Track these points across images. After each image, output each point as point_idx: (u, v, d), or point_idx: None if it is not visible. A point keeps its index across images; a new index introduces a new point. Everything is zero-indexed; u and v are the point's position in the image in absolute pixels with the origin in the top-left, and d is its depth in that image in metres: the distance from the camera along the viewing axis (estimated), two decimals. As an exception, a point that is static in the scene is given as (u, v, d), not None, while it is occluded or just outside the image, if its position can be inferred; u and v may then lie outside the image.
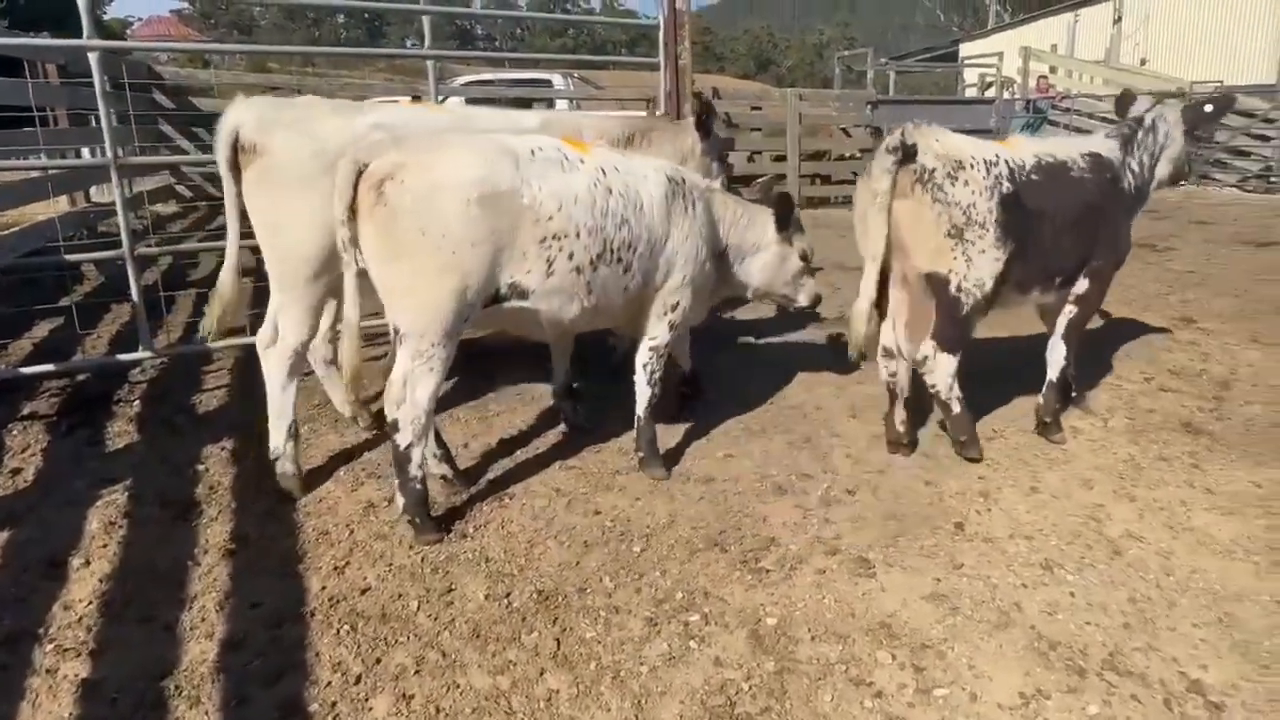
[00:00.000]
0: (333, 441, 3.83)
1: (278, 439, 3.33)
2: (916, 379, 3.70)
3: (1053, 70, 18.08)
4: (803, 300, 3.97)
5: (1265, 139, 15.51)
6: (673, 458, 3.67)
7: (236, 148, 3.17)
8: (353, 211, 2.77)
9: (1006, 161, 3.44)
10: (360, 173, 2.75)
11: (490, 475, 3.51)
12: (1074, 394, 4.25)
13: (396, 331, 2.88)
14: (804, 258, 3.84)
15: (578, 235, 2.99)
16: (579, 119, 4.24)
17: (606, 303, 3.19)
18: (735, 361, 4.94)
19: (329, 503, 3.27)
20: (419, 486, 2.98)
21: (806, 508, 3.26)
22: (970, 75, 19.79)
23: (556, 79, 14.50)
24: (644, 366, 3.48)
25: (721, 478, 3.48)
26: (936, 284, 3.44)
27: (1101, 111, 16.60)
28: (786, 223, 3.72)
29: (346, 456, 3.68)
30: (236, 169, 3.20)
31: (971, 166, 3.33)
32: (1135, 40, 20.60)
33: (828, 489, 3.40)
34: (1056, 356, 3.99)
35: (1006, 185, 3.38)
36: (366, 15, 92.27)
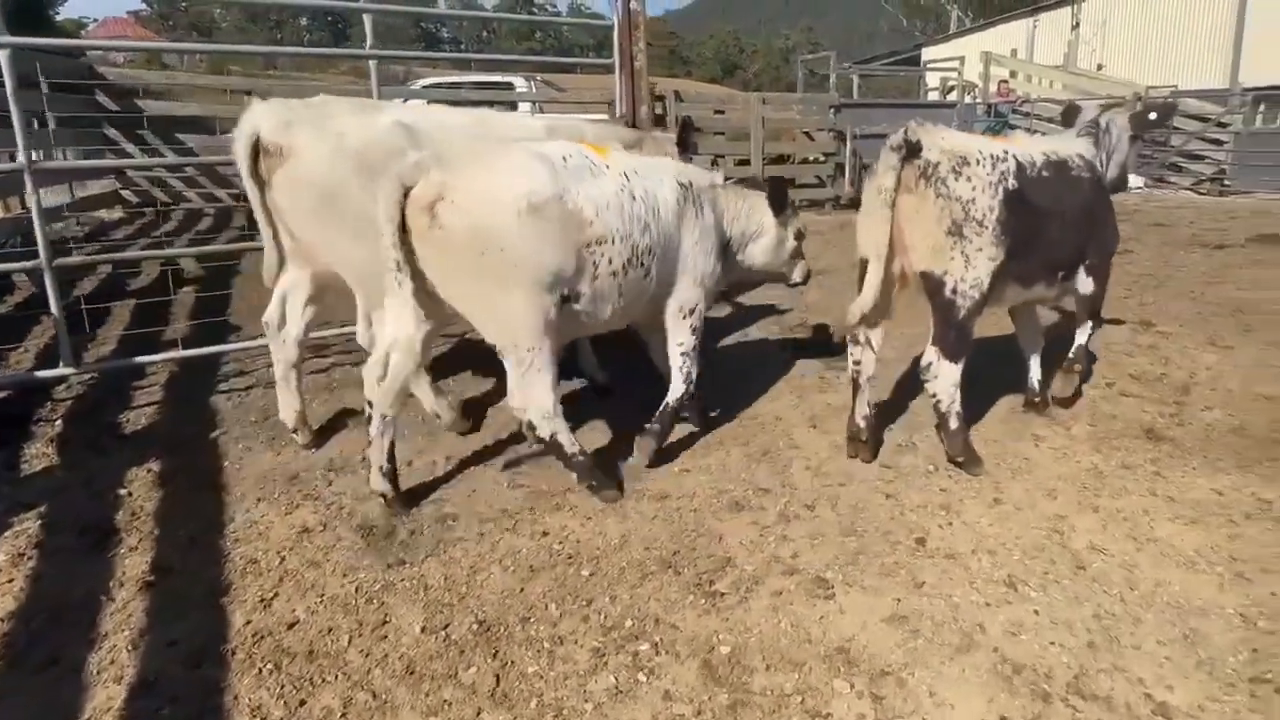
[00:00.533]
0: (268, 461, 3.63)
1: (289, 418, 3.68)
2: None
3: (1013, 75, 18.29)
4: (797, 277, 4.25)
5: (1218, 143, 15.82)
6: (627, 473, 3.53)
7: (258, 152, 3.10)
8: (403, 230, 2.76)
9: (1015, 157, 3.40)
10: (405, 194, 2.74)
11: (435, 495, 3.35)
12: (1038, 400, 4.24)
13: (494, 346, 2.99)
14: (799, 237, 4.10)
15: (613, 241, 3.07)
16: (581, 125, 4.22)
17: (630, 306, 3.29)
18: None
19: (261, 527, 3.08)
20: (581, 458, 3.21)
21: (764, 525, 3.13)
22: (932, 79, 19.96)
23: (519, 82, 14.34)
24: (679, 369, 3.62)
25: (676, 494, 3.35)
26: (933, 284, 3.35)
27: (1110, 102, 16.82)
28: (782, 206, 3.93)
29: (284, 477, 3.49)
30: (258, 174, 3.15)
31: (977, 162, 3.28)
32: (1092, 46, 20.93)
33: (786, 504, 3.28)
34: (1082, 339, 4.18)
35: (1013, 181, 3.33)
36: (330, 17, 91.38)
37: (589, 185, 3.02)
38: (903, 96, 22.57)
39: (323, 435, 3.87)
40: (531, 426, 3.11)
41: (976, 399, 4.23)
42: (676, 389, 3.62)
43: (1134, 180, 14.99)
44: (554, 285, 2.93)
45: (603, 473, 3.34)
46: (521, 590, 2.70)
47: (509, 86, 14.10)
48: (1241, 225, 10.76)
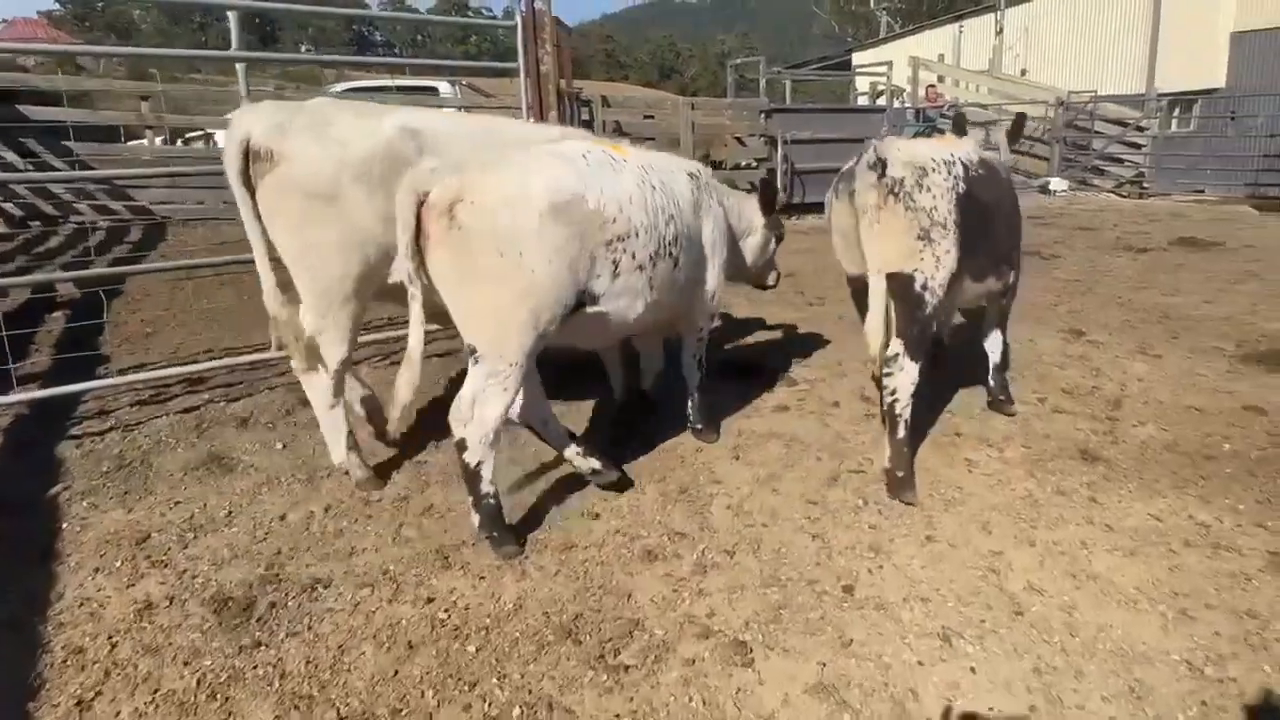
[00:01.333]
0: (116, 520, 3.17)
1: (339, 454, 3.36)
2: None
3: (940, 79, 18.51)
4: (771, 281, 4.50)
5: (1137, 146, 16.22)
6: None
7: (248, 157, 2.94)
8: (417, 241, 2.71)
9: (960, 160, 3.52)
10: (421, 203, 2.67)
11: (307, 555, 2.95)
12: (1001, 399, 4.32)
13: (472, 351, 2.82)
14: (779, 239, 4.34)
15: (637, 235, 3.03)
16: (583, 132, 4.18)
17: (662, 300, 3.25)
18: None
19: (95, 604, 2.65)
20: (492, 501, 2.92)
21: (678, 576, 2.83)
22: (862, 84, 20.10)
23: (444, 86, 13.87)
24: (693, 356, 3.87)
25: (584, 543, 3.02)
26: (902, 283, 3.37)
27: (986, 120, 17.06)
28: (771, 206, 4.12)
29: (133, 539, 3.04)
30: (249, 181, 2.97)
31: (934, 170, 3.37)
32: (1016, 51, 21.36)
33: (704, 551, 2.98)
34: (996, 344, 4.34)
35: (963, 183, 3.45)
36: (258, 20, 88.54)
37: (611, 181, 2.98)
38: (835, 101, 22.71)
39: (193, 486, 3.43)
40: (463, 445, 2.85)
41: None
42: (692, 379, 3.90)
43: (1058, 183, 15.28)
44: (567, 294, 2.84)
45: (504, 525, 2.99)
46: (396, 674, 2.34)
47: (433, 91, 13.63)
48: (1162, 228, 10.95)
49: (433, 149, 3.16)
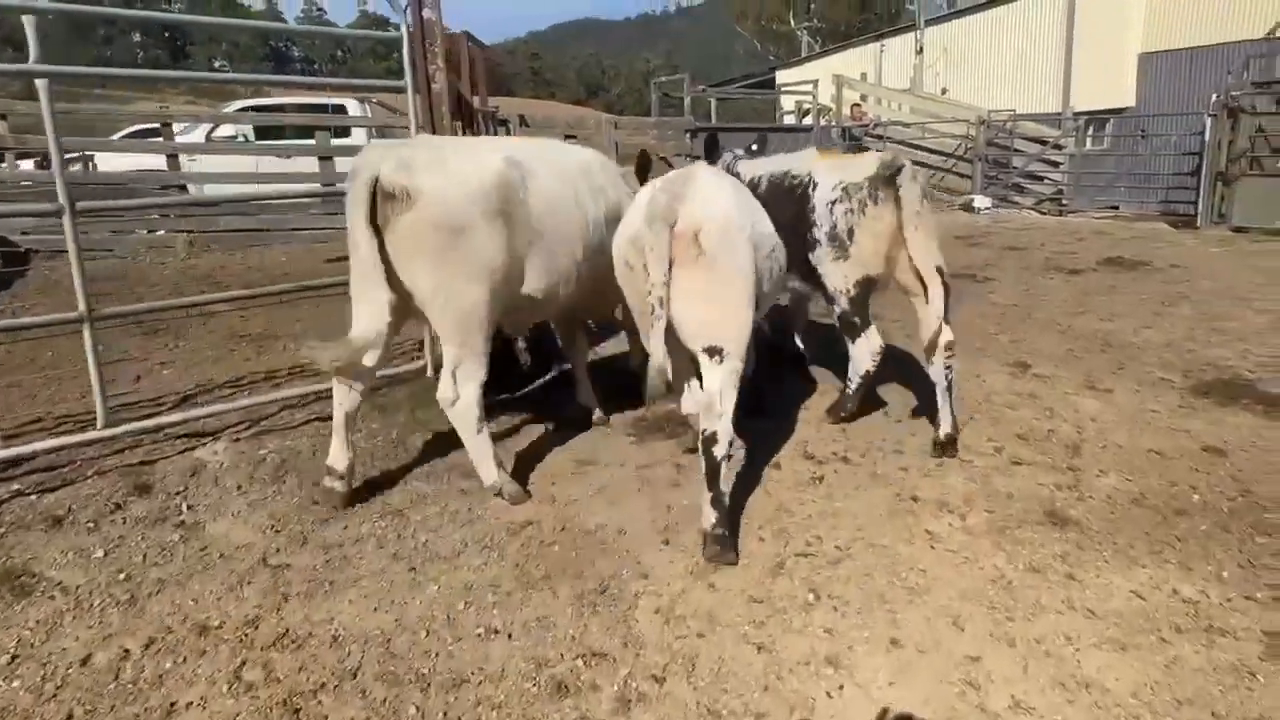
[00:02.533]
0: None
1: (490, 474, 3.41)
2: None
3: (864, 98, 18.56)
4: None
5: (1055, 164, 16.47)
6: (403, 652, 2.56)
7: (376, 198, 2.99)
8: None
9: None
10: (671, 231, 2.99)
11: (109, 718, 2.27)
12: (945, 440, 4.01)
13: (715, 352, 3.08)
14: None
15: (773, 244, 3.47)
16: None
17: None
18: (516, 457, 3.90)
19: None
20: (725, 502, 3.12)
21: (595, 719, 2.27)
22: (788, 102, 20.07)
23: (352, 105, 13.16)
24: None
25: (476, 677, 2.42)
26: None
27: (911, 139, 17.13)
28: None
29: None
30: (376, 222, 3.02)
31: None
32: (936, 70, 21.70)
33: (627, 678, 2.42)
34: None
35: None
36: (168, 34, 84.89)
37: (754, 203, 3.47)
38: (760, 119, 22.65)
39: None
40: (712, 440, 3.05)
41: (860, 491, 3.57)
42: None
43: (981, 201, 15.36)
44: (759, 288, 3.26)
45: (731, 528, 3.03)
46: None
47: (341, 109, 12.89)
48: (1089, 247, 10.94)
49: (530, 175, 3.44)
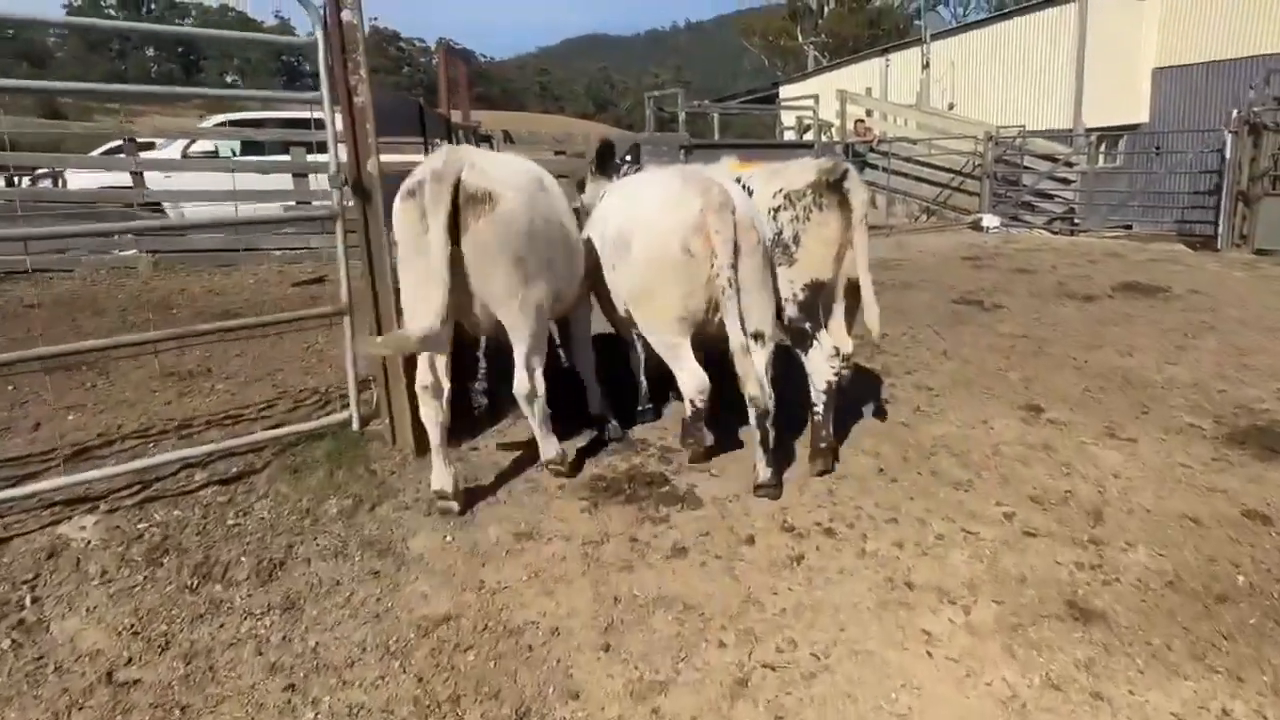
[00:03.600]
0: None
1: (552, 448, 3.68)
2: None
3: (869, 113, 18.09)
4: None
5: (1066, 182, 15.94)
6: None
7: (457, 202, 3.06)
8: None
9: None
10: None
11: None
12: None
13: (759, 336, 3.58)
14: None
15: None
16: None
17: None
18: (449, 526, 3.36)
19: None
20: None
21: None
22: (790, 118, 19.61)
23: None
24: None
25: None
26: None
27: (919, 155, 16.64)
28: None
29: None
30: (455, 226, 3.08)
31: None
32: (943, 85, 21.21)
33: None
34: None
35: None
36: (181, 48, 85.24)
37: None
38: (766, 136, 22.19)
39: None
40: (767, 412, 3.60)
41: (845, 576, 3.03)
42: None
43: (990, 219, 14.83)
44: None
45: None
46: None
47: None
48: (1102, 270, 10.40)
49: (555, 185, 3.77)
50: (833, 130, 15.49)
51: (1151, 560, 3.26)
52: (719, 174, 3.61)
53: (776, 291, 3.71)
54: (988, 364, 5.97)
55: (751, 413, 3.56)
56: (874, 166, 15.91)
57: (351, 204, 3.54)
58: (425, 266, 3.08)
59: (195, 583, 2.77)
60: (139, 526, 3.07)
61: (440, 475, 3.35)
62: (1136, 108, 17.06)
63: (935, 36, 21.32)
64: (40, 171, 11.12)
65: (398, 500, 3.41)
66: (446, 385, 3.41)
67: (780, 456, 3.76)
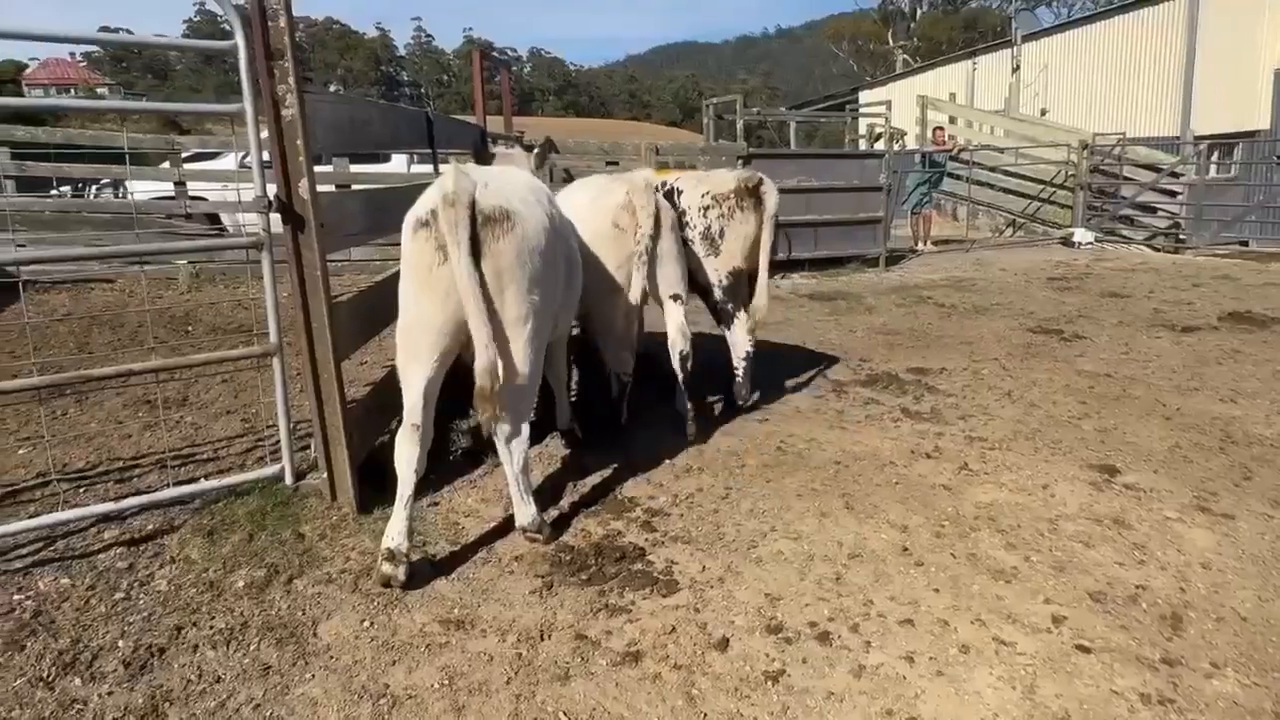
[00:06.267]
0: None
1: (528, 514, 3.26)
2: None
3: (952, 120, 17.03)
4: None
5: (1172, 194, 14.57)
6: None
7: (476, 222, 2.87)
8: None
9: None
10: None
11: None
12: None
13: (676, 298, 4.45)
14: None
15: None
16: None
17: None
18: (377, 605, 2.91)
19: None
20: None
21: None
22: (864, 125, 18.66)
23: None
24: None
25: None
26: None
27: (1005, 164, 15.53)
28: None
29: None
30: (478, 247, 2.88)
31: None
32: (1035, 90, 19.85)
33: None
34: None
35: None
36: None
37: None
38: (840, 144, 21.26)
39: None
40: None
41: (833, 706, 2.42)
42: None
43: (1082, 234, 13.65)
44: None
45: None
46: None
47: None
48: (1208, 295, 9.29)
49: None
50: (905, 138, 14.56)
51: (1245, 693, 2.54)
52: (635, 176, 4.21)
53: (685, 265, 4.49)
54: (1059, 410, 5.19)
55: (675, 357, 4.45)
56: (954, 176, 14.90)
57: (279, 231, 3.13)
58: (440, 301, 2.92)
59: (54, 674, 2.39)
60: (15, 598, 2.73)
61: (398, 531, 2.96)
62: (1254, 113, 15.45)
63: (1027, 38, 19.97)
64: (104, 182, 11.38)
65: (321, 572, 2.98)
66: (432, 429, 3.11)
67: None
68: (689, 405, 4.52)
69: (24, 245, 7.24)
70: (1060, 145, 15.18)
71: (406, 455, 3.00)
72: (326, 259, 3.13)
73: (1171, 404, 5.31)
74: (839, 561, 3.23)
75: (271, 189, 3.10)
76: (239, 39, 2.94)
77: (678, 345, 4.40)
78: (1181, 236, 14.09)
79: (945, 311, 8.48)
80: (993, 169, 15.59)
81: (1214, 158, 15.87)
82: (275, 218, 3.07)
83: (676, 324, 4.36)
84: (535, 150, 5.24)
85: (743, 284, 4.82)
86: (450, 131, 6.00)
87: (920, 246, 13.33)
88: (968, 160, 14.66)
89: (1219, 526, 3.61)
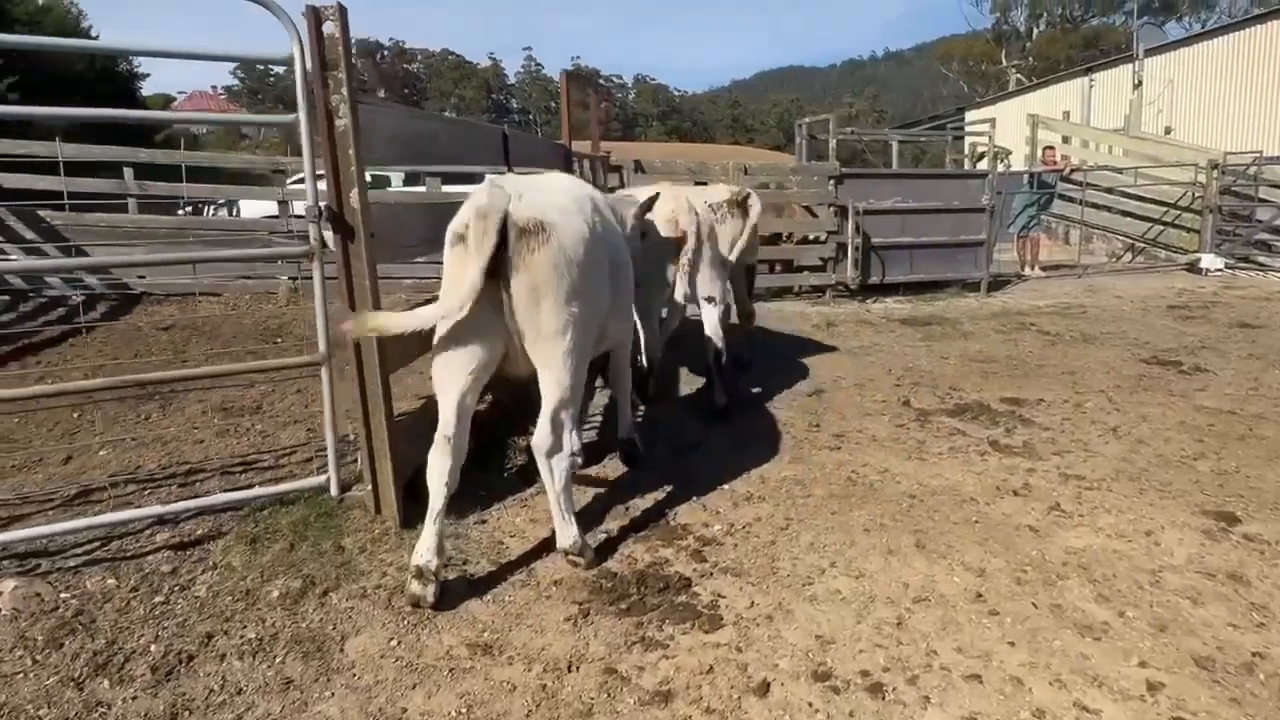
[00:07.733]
0: None
1: (569, 536, 3.15)
2: None
3: (1066, 139, 16.12)
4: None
5: (1316, 217, 13.30)
6: None
7: (505, 236, 2.80)
8: None
9: None
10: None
11: None
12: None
13: (711, 300, 5.04)
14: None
15: None
16: None
17: None
18: (376, 623, 2.83)
19: None
20: None
21: None
22: (968, 144, 17.89)
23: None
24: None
25: None
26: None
27: (1124, 185, 14.59)
28: None
29: None
30: (501, 262, 2.81)
31: None
32: (1158, 107, 18.59)
33: None
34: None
35: None
36: (407, 90, 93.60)
37: None
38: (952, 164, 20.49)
39: None
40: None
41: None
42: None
43: (1211, 260, 12.62)
44: None
45: None
46: None
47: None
48: (1356, 327, 8.35)
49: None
50: (1010, 157, 13.81)
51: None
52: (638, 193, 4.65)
53: (722, 274, 5.07)
54: (1171, 448, 4.69)
55: (709, 353, 5.05)
56: (1067, 198, 14.06)
57: (331, 241, 3.15)
58: (473, 314, 2.87)
59: (85, 675, 2.41)
60: (61, 596, 2.79)
61: (427, 547, 2.90)
62: None
63: (1150, 52, 18.75)
64: (221, 202, 12.10)
65: (356, 586, 2.93)
66: (466, 443, 3.03)
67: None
68: (724, 396, 5.12)
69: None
70: (1187, 165, 14.11)
71: (438, 468, 2.94)
72: (376, 269, 3.12)
73: (1307, 447, 4.72)
74: (902, 605, 2.96)
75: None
76: (294, 50, 2.99)
77: (711, 343, 4.97)
78: (1328, 263, 12.80)
79: (1049, 339, 7.92)
80: (1110, 190, 14.64)
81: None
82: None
83: (712, 324, 4.96)
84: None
85: (726, 278, 5.36)
86: (530, 150, 6.03)
87: (1027, 271, 12.60)
88: (1080, 181, 13.81)
89: (1359, 589, 3.13)
